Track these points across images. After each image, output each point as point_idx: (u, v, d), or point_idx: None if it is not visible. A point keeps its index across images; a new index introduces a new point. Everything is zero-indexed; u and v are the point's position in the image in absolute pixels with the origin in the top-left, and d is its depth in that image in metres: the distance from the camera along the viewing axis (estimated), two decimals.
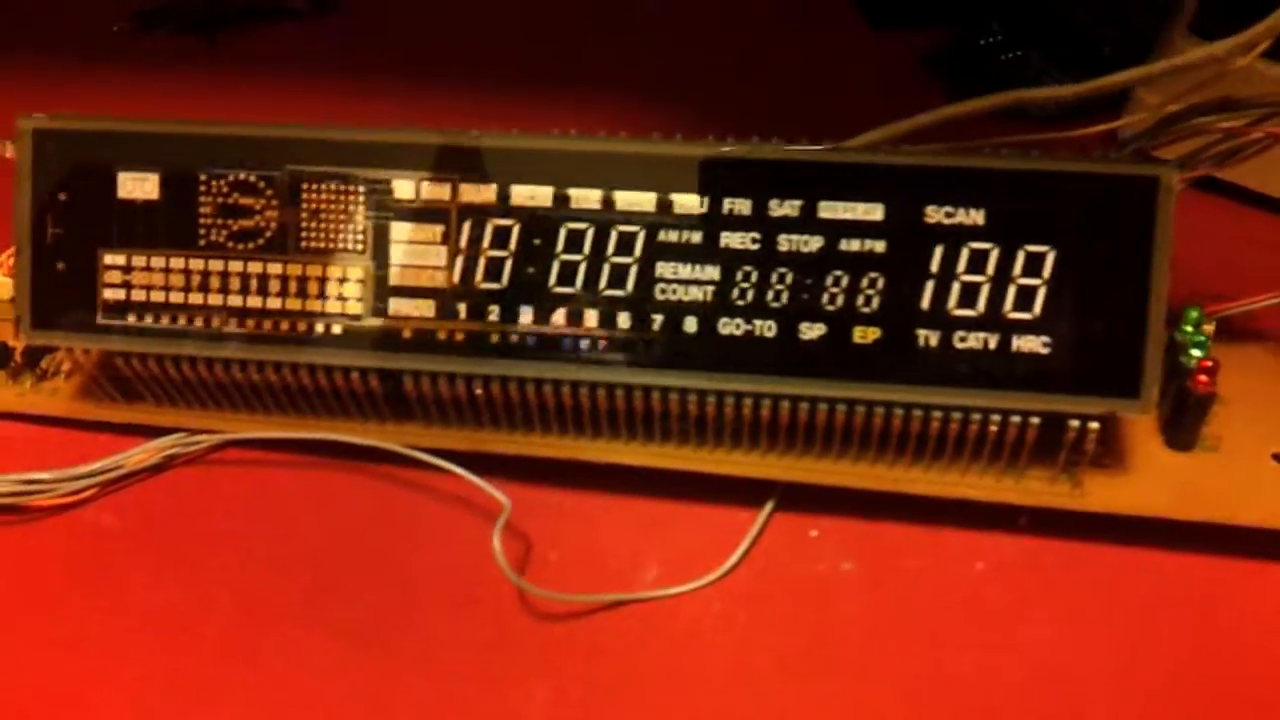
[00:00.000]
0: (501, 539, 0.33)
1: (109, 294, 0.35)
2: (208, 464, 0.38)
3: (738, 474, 0.35)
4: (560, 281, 0.33)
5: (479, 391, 0.34)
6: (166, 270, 0.35)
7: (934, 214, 0.32)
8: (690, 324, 0.33)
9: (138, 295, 0.35)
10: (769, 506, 0.35)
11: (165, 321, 0.35)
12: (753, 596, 0.34)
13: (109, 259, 0.35)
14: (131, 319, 0.35)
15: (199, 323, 0.35)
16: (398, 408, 0.36)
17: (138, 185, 0.35)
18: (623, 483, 0.36)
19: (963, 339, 0.32)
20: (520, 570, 0.34)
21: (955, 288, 0.32)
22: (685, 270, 0.33)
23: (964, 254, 0.32)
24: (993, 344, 0.32)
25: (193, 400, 0.37)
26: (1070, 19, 0.52)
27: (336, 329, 0.34)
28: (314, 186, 0.34)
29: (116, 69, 0.54)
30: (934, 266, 0.32)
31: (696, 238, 0.33)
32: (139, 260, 0.35)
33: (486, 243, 0.34)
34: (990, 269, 0.31)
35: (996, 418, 0.32)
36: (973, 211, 0.31)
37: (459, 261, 0.34)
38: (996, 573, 0.34)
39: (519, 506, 0.34)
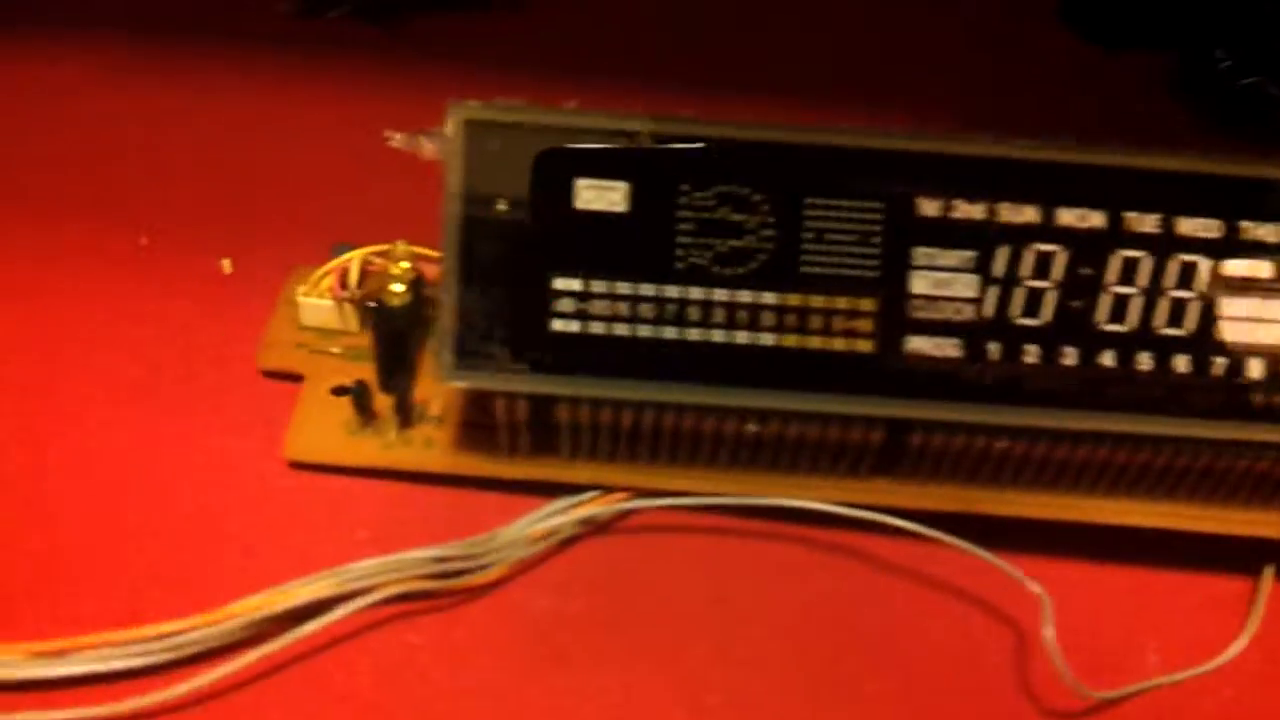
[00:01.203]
0: (1031, 625, 0.28)
1: (559, 326, 0.28)
2: (637, 530, 0.31)
3: (1237, 533, 0.31)
4: (1111, 318, 0.29)
5: (1001, 445, 0.29)
6: (634, 299, 0.28)
7: None
8: (1255, 368, 0.29)
9: (596, 329, 0.28)
10: (1269, 573, 0.32)
11: (628, 360, 0.28)
12: (1265, 680, 0.30)
13: (560, 284, 0.28)
14: (587, 358, 0.28)
15: (673, 361, 0.29)
16: (878, 464, 0.30)
17: (601, 195, 0.28)
18: (1107, 546, 0.32)
19: None
20: (1010, 652, 0.29)
21: None
22: (1255, 307, 0.29)
23: None
24: None
25: (622, 453, 0.30)
26: None
27: (840, 371, 0.29)
28: (820, 201, 0.29)
29: (280, 55, 0.46)
30: None
31: (1267, 270, 0.29)
32: (599, 286, 0.28)
33: (1027, 271, 0.29)
34: None
35: None
36: None
37: (992, 292, 0.29)
38: None
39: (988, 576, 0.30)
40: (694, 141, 0.28)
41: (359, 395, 0.30)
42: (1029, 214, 0.29)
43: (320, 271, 0.33)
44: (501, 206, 0.28)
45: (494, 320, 0.28)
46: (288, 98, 0.43)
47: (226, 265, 0.36)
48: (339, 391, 0.32)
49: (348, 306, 0.33)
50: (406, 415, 0.31)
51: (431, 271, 0.32)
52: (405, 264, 0.31)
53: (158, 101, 0.42)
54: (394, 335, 0.31)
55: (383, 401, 0.31)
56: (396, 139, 0.28)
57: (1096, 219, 0.29)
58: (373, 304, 0.33)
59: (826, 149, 0.28)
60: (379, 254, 0.33)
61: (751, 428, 0.29)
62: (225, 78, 0.44)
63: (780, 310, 0.28)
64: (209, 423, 0.32)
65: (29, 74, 0.43)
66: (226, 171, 0.39)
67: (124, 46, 0.44)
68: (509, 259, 0.28)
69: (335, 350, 0.33)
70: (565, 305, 0.28)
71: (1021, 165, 0.28)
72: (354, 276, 0.32)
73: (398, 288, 0.31)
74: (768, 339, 0.28)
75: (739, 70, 0.48)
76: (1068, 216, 0.29)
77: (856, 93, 0.47)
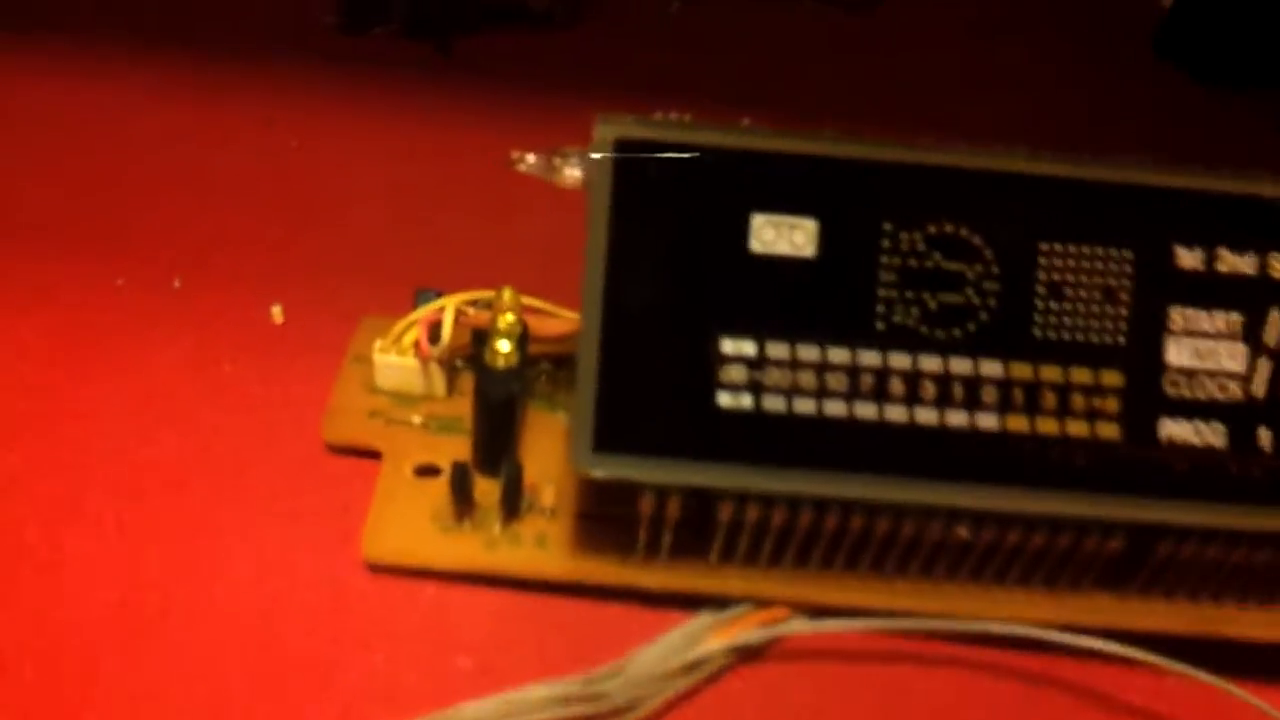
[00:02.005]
0: None
1: (727, 401, 0.22)
2: (800, 657, 0.25)
3: None
4: None
5: (1263, 557, 0.23)
6: (822, 367, 0.22)
7: None
8: None
9: (773, 404, 0.22)
10: None
11: (815, 444, 0.22)
12: None
13: (730, 347, 0.22)
14: (762, 441, 0.22)
15: (867, 447, 0.22)
16: (1105, 576, 0.24)
17: (783, 235, 0.22)
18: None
19: None
20: None
21: None
22: None
23: None
24: None
25: (788, 559, 0.24)
26: None
27: (1075, 461, 0.23)
28: (1058, 246, 0.23)
29: (328, 74, 0.40)
30: None
31: None
32: (778, 351, 0.22)
33: None
34: None
35: None
36: None
37: (1263, 366, 0.23)
38: None
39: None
40: (900, 168, 0.22)
41: (457, 481, 0.24)
42: None
43: (403, 323, 0.26)
44: (658, 247, 0.22)
45: (645, 393, 0.22)
46: (341, 120, 0.37)
47: (277, 314, 0.29)
48: (427, 473, 0.25)
49: (434, 367, 0.27)
50: (514, 505, 0.25)
51: (539, 326, 0.26)
52: (511, 316, 0.25)
53: (191, 123, 0.36)
54: (501, 405, 0.25)
55: (483, 487, 0.25)
56: (527, 161, 0.22)
57: None
58: (461, 363, 0.27)
59: (1068, 182, 0.22)
60: (470, 303, 0.27)
61: (962, 533, 0.23)
62: (268, 97, 0.37)
63: (1005, 384, 0.22)
64: (265, 515, 0.25)
65: (58, 90, 0.36)
66: (273, 202, 0.33)
67: (159, 66, 0.38)
68: (666, 315, 0.22)
69: (416, 420, 0.27)
70: (735, 374, 0.22)
71: None
72: (448, 330, 0.26)
73: (504, 346, 0.25)
74: (988, 421, 0.22)
75: (817, 97, 0.43)
76: None
77: (940, 129, 0.42)
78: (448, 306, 0.26)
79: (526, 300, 0.26)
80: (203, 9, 0.42)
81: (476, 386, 0.25)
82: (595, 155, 0.21)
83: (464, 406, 0.27)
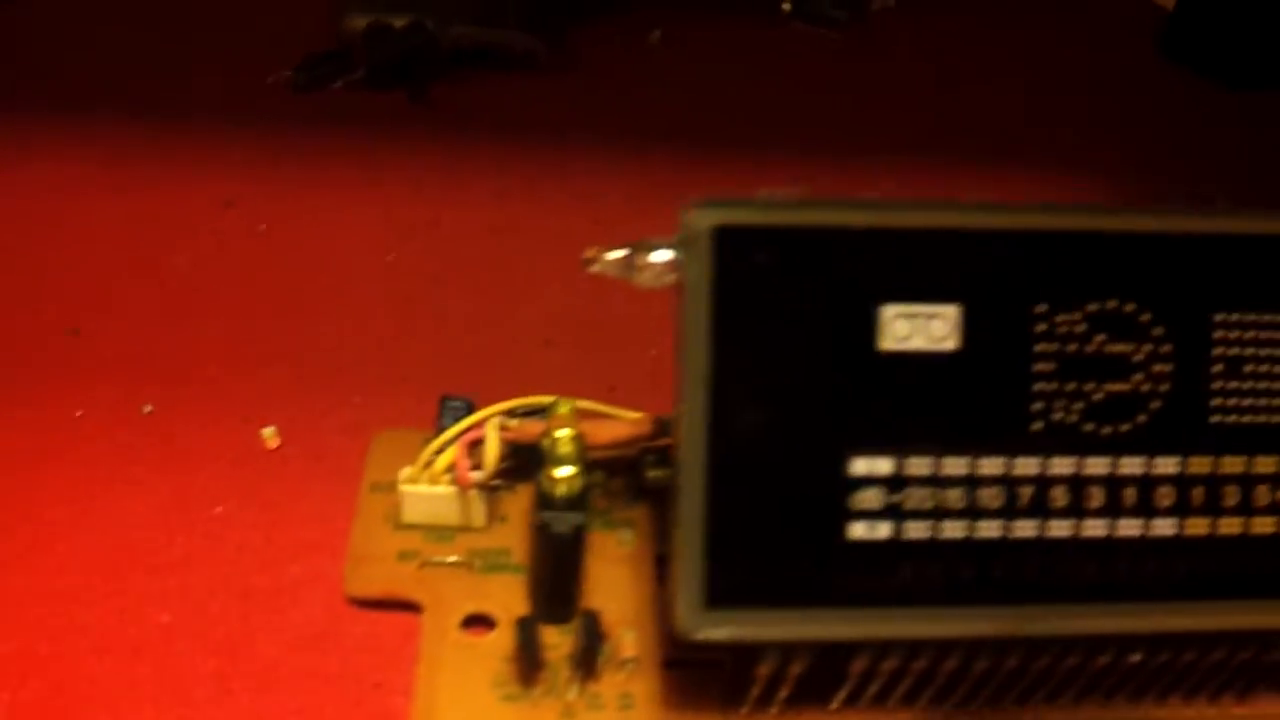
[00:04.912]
0: None
1: (862, 531, 0.18)
2: None
3: None
4: None
5: None
6: (972, 481, 0.18)
7: None
8: None
9: (916, 532, 0.18)
10: None
11: (967, 574, 0.18)
12: None
13: (863, 467, 0.18)
14: (903, 578, 0.18)
15: (1028, 572, 0.18)
16: None
17: (920, 327, 0.18)
18: None
19: None
20: None
21: None
22: None
23: None
24: None
25: (921, 701, 0.20)
26: None
27: (1266, 567, 0.19)
28: (1234, 317, 0.19)
29: (287, 139, 0.34)
30: None
31: None
32: (920, 467, 0.18)
33: None
34: None
35: None
36: None
37: None
38: None
39: None
40: (1051, 238, 0.18)
41: (525, 641, 0.19)
42: None
43: (434, 445, 0.22)
44: (770, 355, 0.18)
45: (763, 532, 0.18)
46: (310, 191, 0.32)
47: (270, 436, 0.24)
48: (478, 624, 0.21)
49: (474, 494, 0.22)
50: (590, 660, 0.20)
51: (592, 432, 0.22)
52: (569, 433, 0.21)
53: (145, 210, 0.30)
54: (568, 542, 0.20)
55: (550, 638, 0.20)
56: (603, 261, 0.17)
57: None
58: (501, 482, 0.22)
59: (1243, 240, 0.18)
60: (509, 413, 0.22)
61: (1135, 658, 0.19)
62: (226, 171, 0.32)
63: (1183, 482, 0.18)
64: (284, 700, 0.20)
65: None
66: (247, 298, 0.28)
67: (100, 145, 0.33)
68: (783, 436, 0.17)
69: (455, 559, 0.22)
70: (870, 499, 0.18)
71: None
72: (493, 452, 0.21)
73: (563, 471, 0.20)
74: (1164, 527, 0.18)
75: (815, 118, 0.39)
76: None
77: (951, 149, 0.38)
78: (490, 422, 0.21)
79: (589, 404, 0.22)
80: (141, 77, 0.36)
81: (536, 522, 0.20)
82: (687, 248, 0.17)
83: (508, 536, 0.22)
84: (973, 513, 0.18)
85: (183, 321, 0.27)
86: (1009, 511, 0.18)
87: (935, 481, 0.18)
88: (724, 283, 0.17)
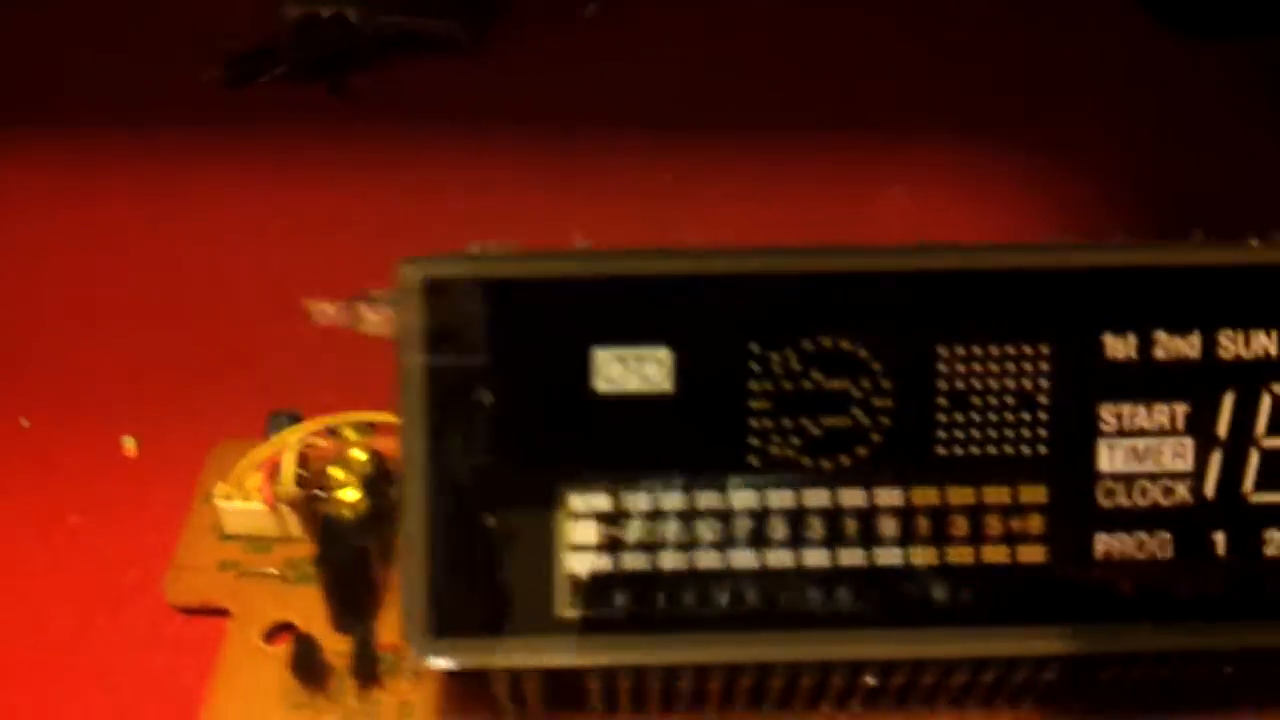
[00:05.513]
0: None
1: (579, 566, 0.19)
2: None
3: None
4: None
5: (1230, 673, 0.20)
6: (689, 516, 0.19)
7: None
8: None
9: (634, 563, 0.19)
10: None
11: (688, 603, 0.19)
12: None
13: (580, 503, 0.19)
14: (622, 608, 0.19)
15: (751, 600, 0.19)
16: (1045, 703, 0.21)
17: (633, 370, 0.19)
18: None
19: None
20: None
21: None
22: None
23: None
24: None
25: (679, 708, 0.21)
26: None
27: (998, 592, 0.19)
28: (958, 350, 0.19)
29: (212, 134, 0.36)
30: None
31: None
32: (636, 502, 0.19)
33: (1263, 423, 0.19)
34: None
35: None
36: None
37: (1215, 460, 0.19)
38: None
39: None
40: (760, 280, 0.19)
41: (301, 653, 0.21)
42: (1263, 344, 0.19)
43: (245, 463, 0.23)
44: (484, 399, 0.18)
45: (483, 565, 0.18)
46: (214, 194, 0.33)
47: (130, 446, 0.26)
48: (282, 634, 0.22)
49: (285, 507, 0.23)
50: (370, 669, 0.21)
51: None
52: (360, 454, 0.22)
53: (41, 213, 0.32)
54: (350, 561, 0.21)
55: (336, 644, 0.22)
56: (327, 312, 0.18)
57: None
58: (324, 494, 0.24)
59: (962, 275, 0.18)
60: (329, 430, 0.24)
61: (869, 680, 0.20)
62: (136, 174, 0.34)
63: (907, 513, 0.19)
64: (98, 702, 0.22)
65: None
66: (132, 305, 0.29)
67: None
68: (503, 476, 0.18)
69: (273, 571, 0.23)
70: (588, 534, 0.18)
71: (1247, 274, 0.19)
72: (288, 471, 0.22)
73: (350, 494, 0.21)
74: (890, 556, 0.19)
75: (758, 94, 0.38)
76: None
77: (904, 105, 0.37)
78: (290, 444, 0.23)
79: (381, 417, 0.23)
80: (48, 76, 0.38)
81: (320, 542, 0.21)
82: (400, 301, 0.18)
83: None
84: (692, 545, 0.18)
85: (59, 327, 0.28)
86: (728, 543, 0.18)
87: (653, 516, 0.18)
88: (437, 333, 0.18)
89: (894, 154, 0.35)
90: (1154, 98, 0.38)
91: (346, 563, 0.21)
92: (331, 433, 0.23)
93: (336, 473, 0.21)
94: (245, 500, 0.23)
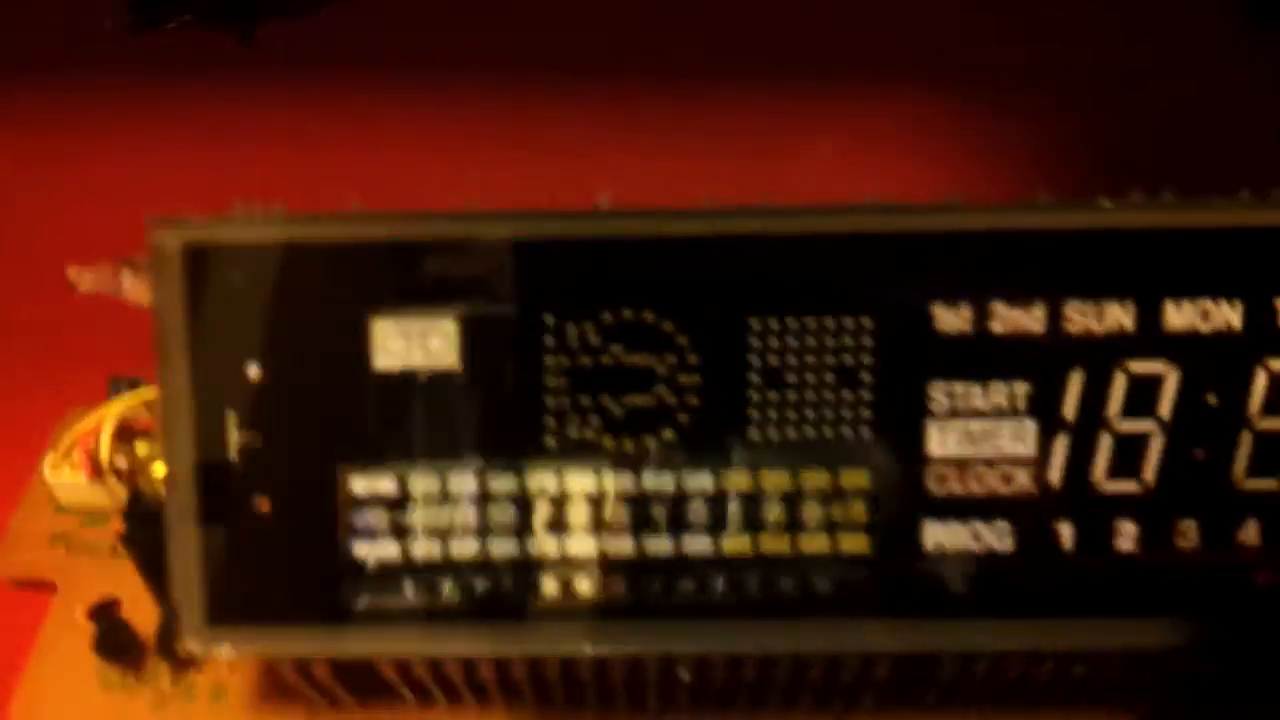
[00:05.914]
0: None
1: (363, 551, 0.18)
2: None
3: None
4: (1257, 469, 0.18)
5: (1080, 673, 0.18)
6: (481, 500, 0.18)
7: None
8: None
9: (423, 550, 0.18)
10: None
11: (484, 591, 0.18)
12: None
13: (361, 486, 0.17)
14: (410, 595, 0.18)
15: (550, 589, 0.18)
16: (886, 700, 0.20)
17: (415, 344, 0.17)
18: None
19: None
20: None
21: None
22: None
23: None
24: None
25: (497, 697, 0.20)
26: None
27: (821, 586, 0.18)
28: (772, 323, 0.17)
29: (112, 84, 0.34)
30: None
31: None
32: (424, 484, 0.18)
33: (1116, 405, 0.18)
34: None
35: None
36: None
37: (1060, 444, 0.18)
38: None
39: None
40: (555, 246, 0.17)
41: (106, 629, 0.20)
42: (1117, 317, 0.17)
43: (70, 434, 0.22)
44: (253, 373, 0.17)
45: (261, 550, 0.17)
46: (87, 146, 0.32)
47: None
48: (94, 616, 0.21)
49: (113, 479, 0.22)
50: (170, 649, 0.20)
51: None
52: None
53: None
54: (156, 540, 0.20)
55: (149, 627, 0.21)
56: (87, 279, 0.17)
57: (1230, 316, 0.17)
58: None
59: (775, 240, 0.17)
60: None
61: (684, 675, 0.18)
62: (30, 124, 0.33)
63: (717, 500, 0.17)
64: None
65: None
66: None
67: None
68: (278, 455, 0.17)
69: (105, 544, 0.22)
70: (371, 518, 0.17)
71: (1099, 239, 0.17)
72: (105, 443, 0.21)
73: (161, 469, 0.20)
74: (699, 546, 0.17)
75: (655, 58, 0.36)
76: (1180, 316, 0.17)
77: (841, 55, 0.35)
78: (108, 417, 0.21)
79: None
80: None
81: (124, 519, 0.20)
82: (157, 269, 0.16)
83: None
84: (483, 532, 0.17)
85: None
86: (525, 529, 0.17)
87: (440, 499, 0.17)
88: (199, 305, 0.17)
89: (823, 105, 0.33)
90: (1091, 51, 0.36)
91: (152, 542, 0.20)
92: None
93: (143, 447, 0.20)
94: (73, 472, 0.22)
